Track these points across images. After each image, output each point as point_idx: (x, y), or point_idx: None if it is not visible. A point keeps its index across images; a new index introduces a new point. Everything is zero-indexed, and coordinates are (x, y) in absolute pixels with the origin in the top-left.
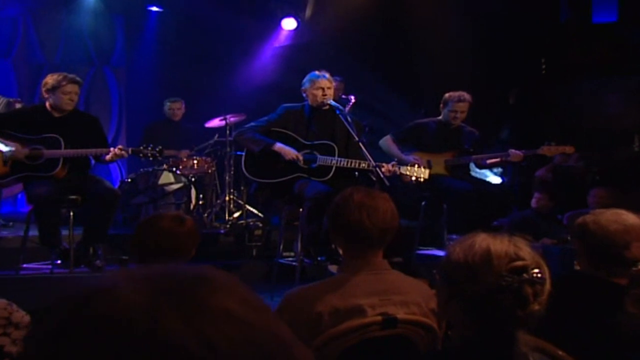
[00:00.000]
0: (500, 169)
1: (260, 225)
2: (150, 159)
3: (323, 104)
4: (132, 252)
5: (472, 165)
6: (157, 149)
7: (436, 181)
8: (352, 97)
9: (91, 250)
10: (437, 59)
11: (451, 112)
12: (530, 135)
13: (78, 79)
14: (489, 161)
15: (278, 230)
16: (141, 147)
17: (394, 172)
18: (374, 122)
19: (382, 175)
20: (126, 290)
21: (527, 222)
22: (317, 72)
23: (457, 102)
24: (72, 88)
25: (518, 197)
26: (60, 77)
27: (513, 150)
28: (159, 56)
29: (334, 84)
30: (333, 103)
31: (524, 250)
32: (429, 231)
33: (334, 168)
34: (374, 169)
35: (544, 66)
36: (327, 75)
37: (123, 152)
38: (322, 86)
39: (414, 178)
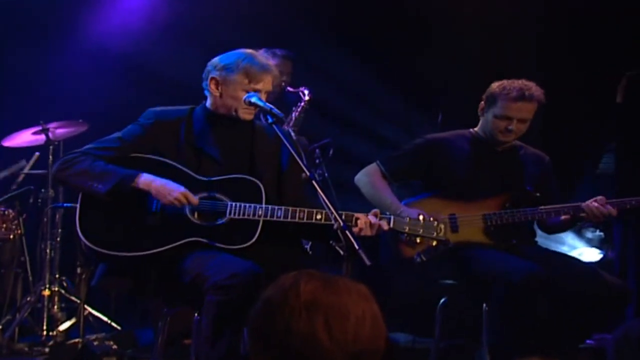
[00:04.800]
0: (598, 233)
1: (115, 347)
2: None
3: (241, 110)
4: None
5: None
6: None
7: (468, 257)
8: (306, 92)
9: None
10: (471, 26)
11: (500, 121)
12: None
13: None
14: (564, 217)
15: (150, 356)
16: None
17: (378, 227)
18: (346, 137)
19: (356, 245)
20: None
21: None
22: (258, 58)
23: (516, 100)
24: None
25: (637, 289)
26: None
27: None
28: None
29: (273, 62)
30: (261, 102)
31: None
32: (453, 358)
33: (260, 226)
34: (338, 229)
35: None
36: (274, 67)
37: None
38: (260, 89)
39: (418, 239)
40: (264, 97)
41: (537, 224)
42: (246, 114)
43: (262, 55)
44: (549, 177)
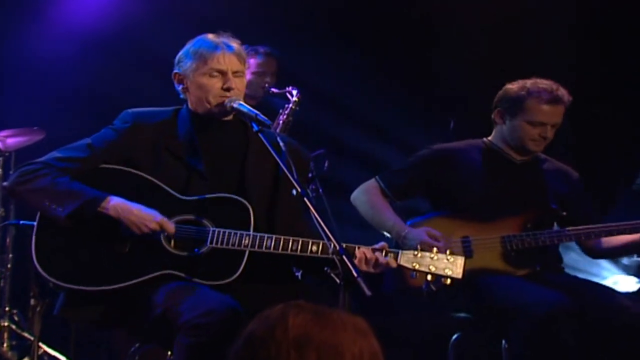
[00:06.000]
0: (636, 258)
1: None
2: None
3: (223, 108)
4: None
5: (575, 251)
6: None
7: (484, 286)
8: (295, 91)
9: None
10: (485, 21)
11: (533, 128)
12: None
13: None
14: (604, 241)
15: None
16: None
17: (383, 263)
18: (344, 148)
19: (354, 272)
20: None
21: None
22: (210, 37)
23: (549, 102)
24: None
25: None
26: None
27: None
28: None
29: (251, 61)
30: (245, 107)
31: None
32: None
33: (245, 257)
34: (335, 258)
35: None
36: (235, 44)
37: None
38: (222, 68)
39: (429, 277)
40: (233, 83)
41: (583, 248)
42: (219, 100)
43: (216, 36)
44: (580, 195)
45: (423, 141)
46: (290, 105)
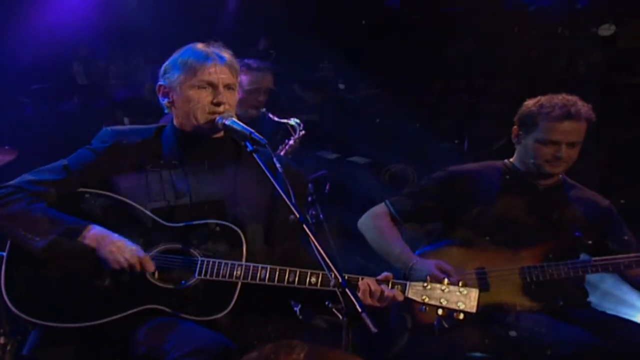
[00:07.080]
0: None
1: None
2: None
3: (213, 125)
4: None
5: (606, 283)
6: None
7: (502, 323)
8: (298, 125)
9: None
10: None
11: (545, 147)
12: None
13: None
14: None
15: None
16: None
17: (389, 296)
18: (346, 172)
19: (360, 309)
20: None
21: None
22: (200, 47)
23: (560, 119)
24: None
25: None
26: None
27: None
28: None
29: (243, 78)
30: (238, 124)
31: None
32: None
33: (238, 290)
34: (337, 291)
35: None
36: (227, 55)
37: None
38: (213, 80)
39: (440, 311)
40: (225, 97)
41: (628, 281)
42: (208, 116)
43: (210, 46)
44: (613, 224)
45: (433, 161)
46: (291, 142)
